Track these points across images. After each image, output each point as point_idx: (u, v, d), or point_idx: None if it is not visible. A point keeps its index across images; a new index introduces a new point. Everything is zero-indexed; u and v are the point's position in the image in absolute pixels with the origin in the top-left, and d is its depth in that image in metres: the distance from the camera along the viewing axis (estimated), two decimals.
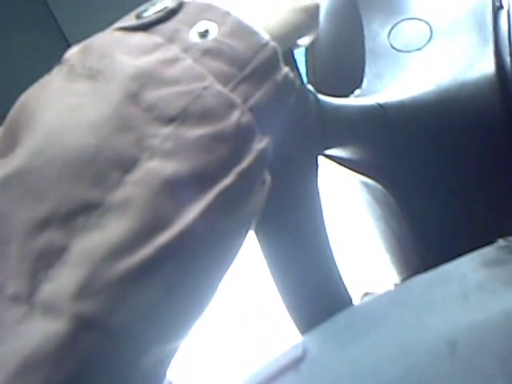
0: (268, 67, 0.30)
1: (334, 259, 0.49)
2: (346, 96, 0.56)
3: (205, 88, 0.28)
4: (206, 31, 0.30)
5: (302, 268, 0.47)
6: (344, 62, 0.62)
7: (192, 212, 0.26)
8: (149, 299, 0.25)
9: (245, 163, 0.28)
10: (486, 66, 0.52)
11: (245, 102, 0.29)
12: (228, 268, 0.29)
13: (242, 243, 0.30)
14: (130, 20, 0.31)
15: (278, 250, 0.46)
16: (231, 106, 0.28)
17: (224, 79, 0.29)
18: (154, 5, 0.31)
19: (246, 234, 0.30)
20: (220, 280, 0.29)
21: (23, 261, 0.24)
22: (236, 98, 0.29)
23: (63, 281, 0.24)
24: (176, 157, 0.27)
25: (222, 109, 0.28)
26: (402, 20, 0.58)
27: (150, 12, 0.31)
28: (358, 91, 0.57)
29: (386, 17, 0.59)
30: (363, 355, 0.35)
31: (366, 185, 0.56)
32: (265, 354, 0.38)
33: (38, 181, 0.25)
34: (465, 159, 0.55)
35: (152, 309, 0.25)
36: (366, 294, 0.62)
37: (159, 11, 0.31)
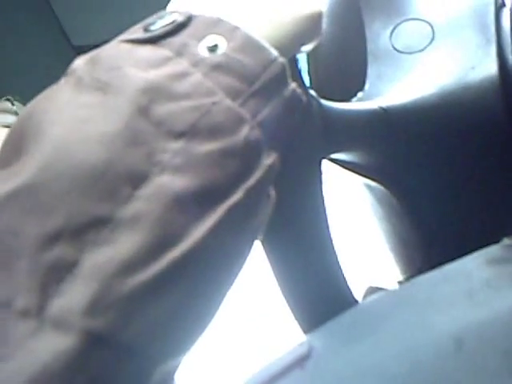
0: (276, 83, 0.30)
1: (337, 259, 0.49)
2: (349, 99, 0.56)
3: (214, 103, 0.28)
4: (215, 46, 0.30)
5: (306, 268, 0.47)
6: (346, 63, 0.62)
7: (202, 227, 0.26)
8: (159, 315, 0.25)
9: (253, 179, 0.28)
10: (488, 68, 0.52)
11: (253, 117, 0.29)
12: (235, 279, 0.29)
13: (248, 255, 0.30)
14: (137, 32, 0.31)
15: (281, 251, 0.46)
16: (240, 121, 0.28)
17: (233, 94, 0.29)
18: (161, 18, 0.31)
19: (251, 247, 0.30)
20: (227, 291, 0.29)
21: (33, 275, 0.24)
22: (245, 113, 0.29)
23: (74, 296, 0.24)
24: (186, 172, 0.27)
25: (231, 124, 0.28)
26: (404, 20, 0.58)
27: (158, 25, 0.30)
28: (360, 94, 0.57)
29: (388, 17, 0.59)
30: (369, 353, 0.35)
31: (368, 187, 0.56)
32: (270, 353, 0.38)
33: (47, 195, 0.25)
34: (467, 160, 0.55)
35: (162, 324, 0.25)
36: (371, 288, 0.62)
37: (167, 24, 0.30)
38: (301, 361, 0.36)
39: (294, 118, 0.32)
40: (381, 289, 0.64)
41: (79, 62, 0.30)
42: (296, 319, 0.48)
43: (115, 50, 0.30)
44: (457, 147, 0.54)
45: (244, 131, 0.28)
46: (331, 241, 0.48)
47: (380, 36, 0.58)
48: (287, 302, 0.48)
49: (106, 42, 0.31)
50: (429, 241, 0.57)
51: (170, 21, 0.30)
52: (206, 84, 0.28)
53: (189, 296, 0.26)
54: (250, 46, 0.30)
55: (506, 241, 0.42)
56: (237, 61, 0.29)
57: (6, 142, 0.28)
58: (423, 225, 0.56)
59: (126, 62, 0.29)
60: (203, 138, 0.27)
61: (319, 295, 0.48)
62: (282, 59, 0.31)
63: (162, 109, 0.27)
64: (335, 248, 0.48)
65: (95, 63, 0.29)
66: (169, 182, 0.26)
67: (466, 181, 0.56)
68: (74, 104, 0.28)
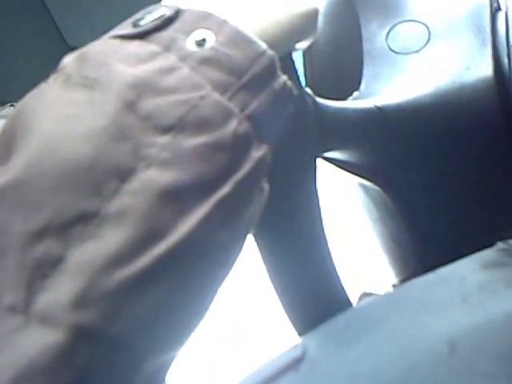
0: (265, 76, 0.30)
1: (332, 261, 0.49)
2: (345, 98, 0.57)
3: (202, 97, 0.28)
4: (203, 40, 0.30)
5: (300, 270, 0.47)
6: (342, 63, 0.62)
7: (189, 222, 0.26)
8: (146, 309, 0.25)
9: (242, 172, 0.28)
10: (483, 69, 0.53)
11: (242, 110, 0.29)
12: (226, 275, 0.29)
13: (239, 250, 0.30)
14: (126, 28, 0.31)
15: (276, 251, 0.46)
16: (228, 114, 0.28)
17: (221, 88, 0.29)
18: (150, 13, 0.31)
19: (243, 242, 0.30)
20: (218, 287, 0.29)
21: (19, 271, 0.24)
22: (233, 106, 0.29)
23: (60, 291, 0.24)
24: (173, 166, 0.27)
25: (219, 118, 0.28)
26: (400, 22, 0.58)
27: (147, 20, 0.30)
28: (356, 93, 0.57)
29: (384, 18, 0.59)
30: (363, 356, 0.35)
31: (363, 186, 0.57)
32: (264, 355, 0.38)
33: (33, 191, 0.25)
34: (463, 161, 0.55)
35: (149, 319, 0.25)
36: (365, 294, 0.62)
37: (156, 19, 0.30)
38: (295, 363, 0.36)
39: (286, 110, 0.32)
40: (374, 295, 0.64)
41: (68, 60, 0.30)
42: (291, 321, 0.48)
43: (104, 46, 0.30)
44: (451, 147, 0.54)
45: (232, 125, 0.28)
46: (326, 242, 0.48)
47: (376, 37, 0.58)
48: (282, 303, 0.48)
49: None
50: (423, 243, 0.57)
51: (159, 15, 0.30)
52: (194, 78, 0.28)
53: (177, 290, 0.26)
54: (239, 39, 0.30)
55: (500, 245, 0.42)
56: (225, 54, 0.29)
57: None
58: (417, 226, 0.57)
59: (113, 58, 0.29)
60: (191, 132, 0.27)
61: (314, 297, 0.48)
62: (271, 52, 0.31)
63: (150, 103, 0.27)
64: (330, 250, 0.48)
65: (84, 60, 0.29)
66: (155, 177, 0.26)
67: (461, 182, 0.56)
68: (61, 101, 0.28)
